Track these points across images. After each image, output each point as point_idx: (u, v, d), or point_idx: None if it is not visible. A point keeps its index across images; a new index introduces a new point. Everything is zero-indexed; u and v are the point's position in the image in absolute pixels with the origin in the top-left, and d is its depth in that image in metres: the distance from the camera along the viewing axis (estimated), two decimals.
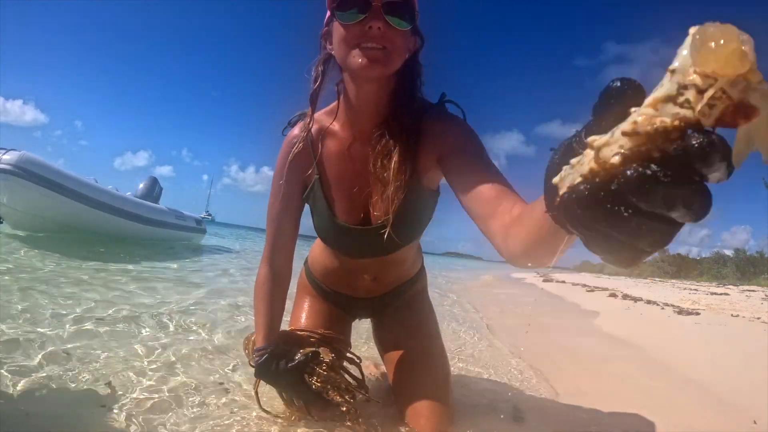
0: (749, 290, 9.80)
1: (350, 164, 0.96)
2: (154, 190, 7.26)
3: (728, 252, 22.04)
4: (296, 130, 1.00)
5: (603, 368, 2.07)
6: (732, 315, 4.42)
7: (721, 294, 8.02)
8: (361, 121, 0.93)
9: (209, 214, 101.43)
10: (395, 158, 0.87)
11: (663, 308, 5.04)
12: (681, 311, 4.61)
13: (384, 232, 0.90)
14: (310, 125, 0.97)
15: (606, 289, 8.77)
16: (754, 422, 1.37)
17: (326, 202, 0.98)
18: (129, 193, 6.67)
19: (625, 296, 6.77)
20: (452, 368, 1.37)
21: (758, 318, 4.18)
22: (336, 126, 0.97)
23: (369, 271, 1.12)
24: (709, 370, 2.10)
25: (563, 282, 11.98)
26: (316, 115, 0.99)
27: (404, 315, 1.22)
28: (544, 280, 12.61)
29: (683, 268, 25.57)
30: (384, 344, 1.25)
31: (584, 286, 9.96)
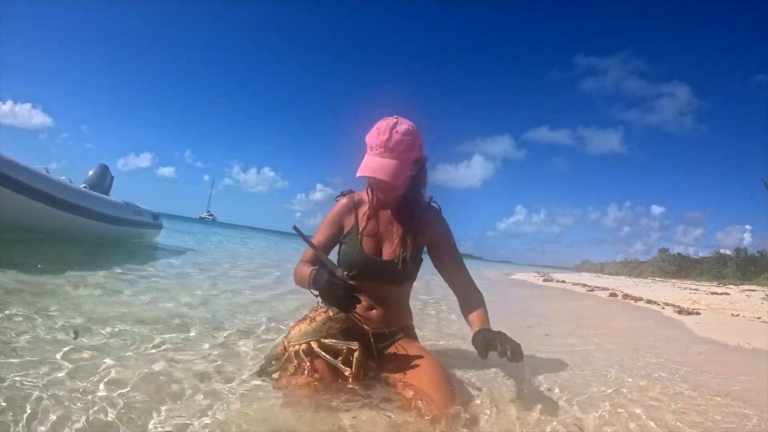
0: (749, 290, 9.79)
1: (377, 221, 1.53)
2: (105, 179, 6.19)
3: (728, 251, 21.98)
4: (345, 200, 1.57)
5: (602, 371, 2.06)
6: (732, 314, 4.42)
7: (721, 293, 8.01)
8: (386, 204, 1.52)
9: (210, 214, 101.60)
10: (407, 224, 1.49)
11: (663, 308, 5.04)
12: (681, 311, 4.61)
13: (396, 262, 1.45)
14: (355, 198, 1.58)
15: (606, 289, 8.77)
16: (755, 421, 1.37)
17: (359, 239, 1.50)
18: (83, 185, 5.66)
19: (626, 296, 6.77)
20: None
21: (758, 318, 4.18)
22: (366, 199, 1.55)
23: (367, 294, 1.45)
24: (709, 369, 2.10)
25: (563, 282, 11.97)
26: (357, 193, 1.59)
27: (397, 346, 1.47)
28: (544, 280, 12.60)
29: (683, 268, 25.55)
30: (380, 363, 1.42)
31: (584, 285, 9.96)
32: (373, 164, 1.36)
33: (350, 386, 1.25)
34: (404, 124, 1.40)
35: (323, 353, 1.25)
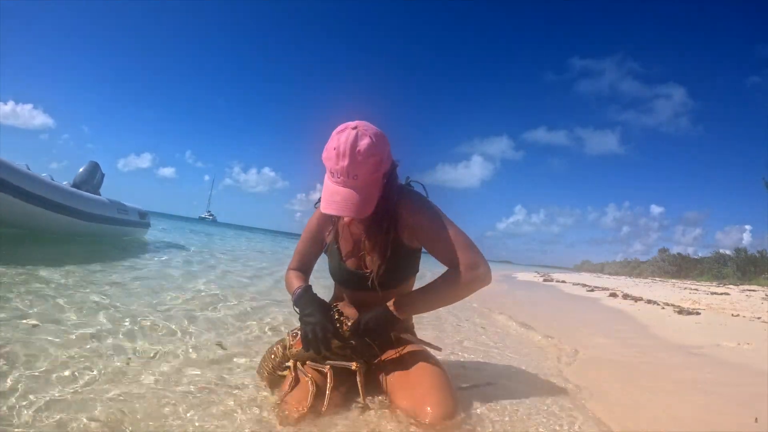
0: (749, 290, 9.80)
1: (352, 234, 1.41)
2: (94, 177, 6.18)
3: (728, 252, 21.99)
4: None
5: (600, 371, 2.07)
6: (732, 315, 4.42)
7: (721, 294, 8.02)
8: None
9: (211, 214, 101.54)
10: (378, 239, 1.33)
11: (663, 308, 5.04)
12: (681, 311, 4.61)
13: (370, 276, 1.35)
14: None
15: (606, 289, 8.77)
16: (756, 420, 1.37)
17: (338, 253, 1.43)
18: (66, 182, 5.63)
19: (626, 296, 6.77)
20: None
21: (758, 318, 4.18)
22: None
23: (361, 304, 1.39)
24: (709, 369, 2.10)
25: (563, 282, 11.96)
26: None
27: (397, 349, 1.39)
28: (544, 280, 12.60)
29: (683, 268, 25.56)
30: (379, 364, 1.36)
31: (584, 285, 9.95)
32: (336, 197, 1.19)
33: (346, 393, 1.24)
34: (365, 138, 1.17)
35: (326, 362, 1.23)
